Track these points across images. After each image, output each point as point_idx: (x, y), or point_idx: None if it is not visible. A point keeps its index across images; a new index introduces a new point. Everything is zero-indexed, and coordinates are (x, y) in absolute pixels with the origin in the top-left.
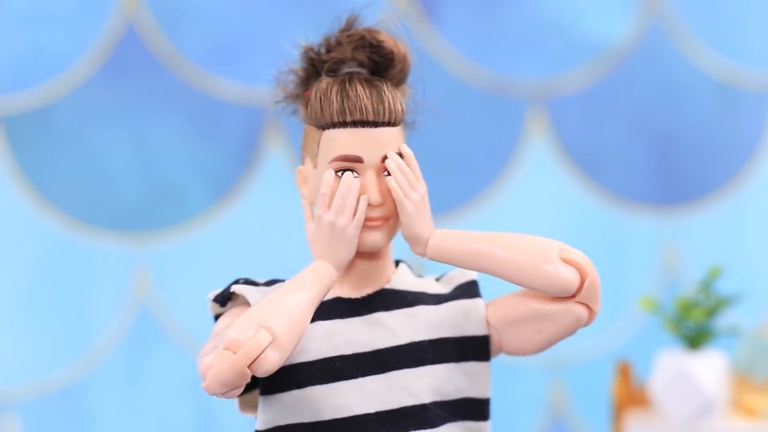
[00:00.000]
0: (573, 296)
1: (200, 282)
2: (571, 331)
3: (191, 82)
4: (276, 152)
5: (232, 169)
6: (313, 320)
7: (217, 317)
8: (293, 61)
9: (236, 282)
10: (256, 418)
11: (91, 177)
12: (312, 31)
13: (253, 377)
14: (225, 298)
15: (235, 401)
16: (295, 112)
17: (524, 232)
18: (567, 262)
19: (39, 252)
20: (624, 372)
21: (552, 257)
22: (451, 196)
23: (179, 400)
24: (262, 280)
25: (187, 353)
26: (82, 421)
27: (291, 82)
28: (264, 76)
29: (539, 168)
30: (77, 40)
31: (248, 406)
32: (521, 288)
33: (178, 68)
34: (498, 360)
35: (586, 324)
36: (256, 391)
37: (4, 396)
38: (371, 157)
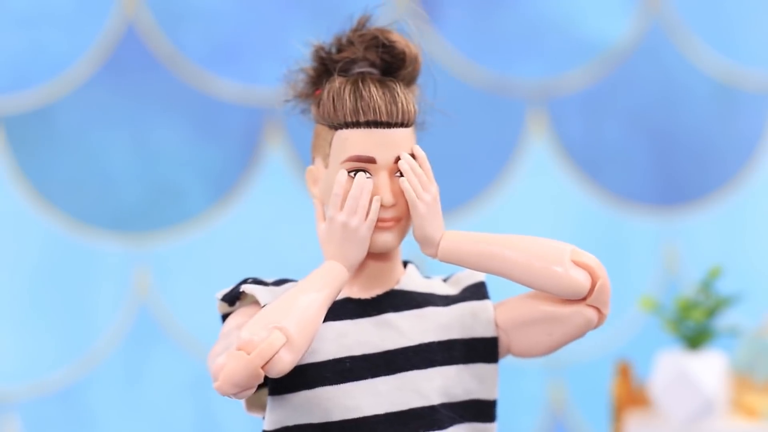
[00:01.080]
0: (584, 299)
1: (200, 282)
2: (580, 334)
3: (191, 82)
4: (276, 152)
5: (232, 169)
6: (323, 321)
7: (224, 317)
8: (303, 60)
9: (245, 281)
10: (262, 417)
11: (91, 177)
12: (312, 32)
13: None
14: (233, 298)
15: (242, 401)
16: (304, 111)
17: (524, 233)
18: (578, 264)
19: (39, 252)
20: (624, 372)
21: (564, 260)
22: (451, 196)
23: (179, 400)
24: (270, 280)
25: (187, 353)
26: (82, 421)
27: (301, 81)
28: (264, 76)
29: (539, 168)
30: (77, 40)
31: (255, 406)
32: (530, 290)
33: (178, 68)
34: None
35: (596, 327)
36: (264, 391)
37: (4, 396)
38: (384, 158)
